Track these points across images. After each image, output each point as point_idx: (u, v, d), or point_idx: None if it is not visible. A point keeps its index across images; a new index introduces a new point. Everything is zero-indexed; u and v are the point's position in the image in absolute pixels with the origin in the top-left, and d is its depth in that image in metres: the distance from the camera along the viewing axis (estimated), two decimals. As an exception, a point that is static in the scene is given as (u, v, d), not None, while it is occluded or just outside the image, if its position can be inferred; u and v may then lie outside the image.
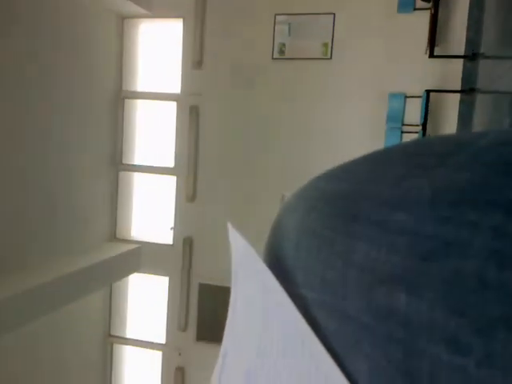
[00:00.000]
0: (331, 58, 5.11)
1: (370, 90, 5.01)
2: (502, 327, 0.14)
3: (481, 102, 3.95)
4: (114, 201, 5.97)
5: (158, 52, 5.83)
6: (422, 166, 0.20)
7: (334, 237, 0.21)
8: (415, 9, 4.71)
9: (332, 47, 5.10)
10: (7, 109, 4.16)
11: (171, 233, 5.85)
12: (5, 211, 4.21)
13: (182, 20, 5.56)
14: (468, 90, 4.32)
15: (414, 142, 0.23)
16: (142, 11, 5.51)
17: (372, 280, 0.18)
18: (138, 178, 6.04)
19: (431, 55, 4.34)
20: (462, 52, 4.62)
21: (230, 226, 0.30)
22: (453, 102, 4.75)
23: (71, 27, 4.90)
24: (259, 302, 0.25)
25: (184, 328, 5.85)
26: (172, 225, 5.84)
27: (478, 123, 3.96)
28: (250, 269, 0.27)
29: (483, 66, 3.92)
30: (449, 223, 0.16)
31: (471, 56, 4.21)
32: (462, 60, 4.62)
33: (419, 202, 0.18)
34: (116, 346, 6.33)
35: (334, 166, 0.27)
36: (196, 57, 5.46)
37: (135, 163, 5.98)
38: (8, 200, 4.24)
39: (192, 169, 5.60)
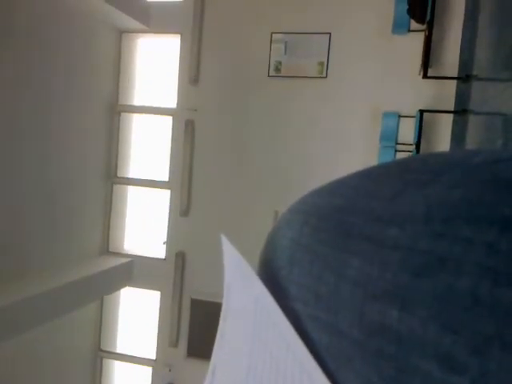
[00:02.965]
0: (326, 76, 5.16)
1: (365, 109, 5.06)
2: (497, 345, 0.13)
3: (473, 122, 3.99)
4: (107, 214, 5.93)
5: (155, 67, 5.87)
6: (416, 182, 0.20)
7: (327, 252, 0.21)
8: (410, 30, 4.78)
9: (327, 66, 5.15)
10: (3, 124, 4.16)
11: (164, 247, 5.82)
12: (3, 225, 4.21)
13: (179, 36, 5.61)
14: (461, 110, 4.37)
15: (409, 159, 0.23)
16: (141, 26, 5.56)
17: (364, 295, 0.18)
18: (132, 192, 6.02)
19: (425, 76, 4.39)
20: (455, 73, 4.69)
21: (223, 238, 0.29)
22: (446, 122, 4.80)
23: (70, 40, 4.93)
24: (251, 315, 0.25)
25: (175, 344, 5.77)
26: (165, 239, 5.81)
27: (471, 143, 3.99)
28: (243, 281, 0.27)
29: (476, 87, 3.97)
30: (442, 239, 0.16)
31: (464, 77, 4.26)
32: (455, 81, 4.69)
33: (413, 218, 0.18)
34: (106, 361, 6.22)
35: (328, 182, 0.27)
36: (193, 72, 5.49)
37: (130, 176, 5.97)
38: (7, 213, 4.24)
39: (186, 183, 5.59)
